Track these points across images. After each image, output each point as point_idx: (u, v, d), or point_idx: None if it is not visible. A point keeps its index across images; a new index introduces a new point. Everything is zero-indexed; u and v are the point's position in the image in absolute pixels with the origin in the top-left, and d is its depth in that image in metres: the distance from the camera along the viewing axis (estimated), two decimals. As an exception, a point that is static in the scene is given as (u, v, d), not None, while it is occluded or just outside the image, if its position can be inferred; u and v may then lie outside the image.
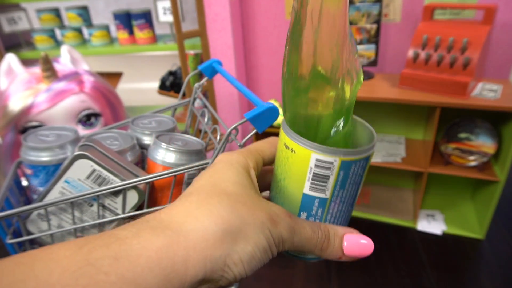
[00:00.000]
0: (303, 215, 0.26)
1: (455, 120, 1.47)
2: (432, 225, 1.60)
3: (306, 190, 0.25)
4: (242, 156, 0.26)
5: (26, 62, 0.85)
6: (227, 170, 0.24)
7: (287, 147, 0.24)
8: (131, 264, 0.18)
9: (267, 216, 0.22)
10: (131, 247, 0.18)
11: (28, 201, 0.59)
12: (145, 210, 0.48)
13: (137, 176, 0.47)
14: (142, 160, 0.57)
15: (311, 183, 0.24)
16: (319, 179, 0.24)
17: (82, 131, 0.79)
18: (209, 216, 0.21)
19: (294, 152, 0.24)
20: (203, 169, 0.45)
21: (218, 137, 0.51)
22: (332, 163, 0.23)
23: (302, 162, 0.24)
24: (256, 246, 0.21)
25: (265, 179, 0.29)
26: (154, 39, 1.75)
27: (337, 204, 0.25)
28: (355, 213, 1.71)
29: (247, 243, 0.21)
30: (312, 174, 0.24)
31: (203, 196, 0.22)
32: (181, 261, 0.19)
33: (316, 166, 0.23)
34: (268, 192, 0.30)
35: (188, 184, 0.48)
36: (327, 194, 0.25)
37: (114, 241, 0.18)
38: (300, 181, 0.25)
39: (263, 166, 0.28)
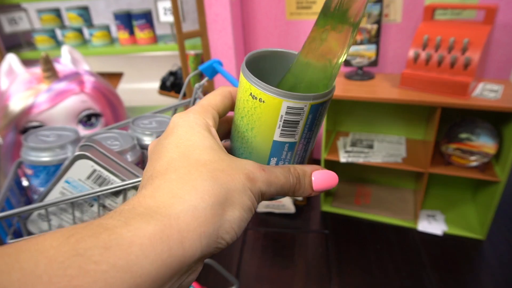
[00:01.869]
0: (273, 160, 0.26)
1: (455, 121, 1.47)
2: (432, 225, 1.60)
3: (276, 137, 0.25)
4: (199, 116, 0.25)
5: (27, 63, 0.85)
6: (191, 136, 0.24)
7: (254, 97, 0.24)
8: (123, 253, 0.17)
9: (245, 176, 0.23)
10: (121, 236, 0.18)
11: (29, 201, 0.59)
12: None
13: (137, 176, 0.47)
14: (143, 161, 0.57)
15: (282, 130, 0.24)
16: (290, 125, 0.24)
17: (83, 131, 0.79)
18: (194, 194, 0.20)
19: (263, 101, 0.24)
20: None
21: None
22: (302, 108, 0.23)
23: (272, 111, 0.24)
24: (242, 209, 0.22)
25: (220, 130, 0.29)
26: (155, 39, 1.75)
27: (303, 145, 0.26)
28: (356, 214, 1.71)
29: (235, 209, 0.22)
30: (282, 121, 0.24)
31: (182, 172, 0.22)
32: (177, 244, 0.19)
33: (287, 113, 0.24)
34: (227, 141, 0.30)
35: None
36: (296, 138, 0.25)
37: (103, 231, 0.18)
38: (270, 129, 0.25)
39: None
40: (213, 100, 0.27)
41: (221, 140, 0.29)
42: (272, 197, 0.26)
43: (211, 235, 0.20)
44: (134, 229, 0.18)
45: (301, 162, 0.28)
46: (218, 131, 0.28)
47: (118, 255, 0.17)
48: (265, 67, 0.28)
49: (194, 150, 0.23)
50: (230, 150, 0.29)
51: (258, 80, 0.24)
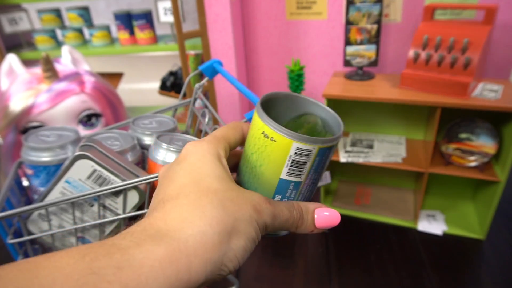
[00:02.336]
0: (278, 197, 0.27)
1: (455, 121, 1.47)
2: (432, 225, 1.60)
3: (283, 175, 0.26)
4: (212, 146, 0.26)
5: (27, 63, 0.86)
6: (203, 164, 0.24)
7: (266, 136, 0.25)
8: (134, 274, 0.18)
9: (252, 208, 0.23)
10: (133, 257, 0.19)
11: (29, 201, 0.59)
12: (145, 211, 0.48)
13: (137, 176, 0.47)
14: (143, 160, 0.57)
15: (289, 169, 0.26)
16: (297, 165, 0.25)
17: (83, 131, 0.79)
18: (203, 220, 0.21)
19: (274, 141, 0.25)
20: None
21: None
22: (311, 150, 0.25)
23: (282, 150, 0.25)
24: (247, 239, 0.22)
25: (228, 163, 0.30)
26: (155, 39, 1.75)
27: (308, 185, 0.27)
28: (356, 214, 1.71)
29: (240, 238, 0.22)
30: (291, 161, 0.25)
31: (192, 198, 0.22)
32: (184, 269, 0.19)
33: (295, 154, 0.25)
34: (233, 174, 0.31)
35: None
36: (302, 178, 0.26)
37: (116, 251, 0.19)
38: (278, 167, 0.26)
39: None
40: (226, 132, 0.28)
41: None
42: (274, 232, 0.27)
43: (215, 262, 0.21)
44: (146, 250, 0.19)
45: (304, 201, 0.29)
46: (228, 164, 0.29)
47: (129, 275, 0.18)
48: (279, 108, 0.30)
49: (205, 177, 0.24)
50: (237, 183, 0.30)
51: (272, 121, 0.25)
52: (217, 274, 0.21)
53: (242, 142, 0.29)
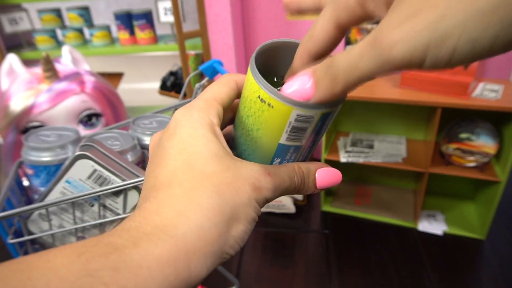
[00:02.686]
0: (277, 160, 0.26)
1: (456, 121, 1.47)
2: (433, 225, 1.60)
3: (283, 140, 0.24)
4: (203, 114, 0.23)
5: (28, 63, 0.86)
6: (194, 140, 0.22)
7: (262, 101, 0.23)
8: (131, 275, 0.17)
9: (251, 187, 0.22)
10: (130, 257, 0.18)
11: (29, 201, 0.59)
12: (142, 207, 0.48)
13: (138, 176, 0.47)
14: (143, 160, 0.57)
15: (289, 134, 0.24)
16: (297, 131, 0.24)
17: (83, 131, 0.79)
18: (200, 212, 0.20)
19: (272, 107, 0.23)
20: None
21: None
22: (312, 116, 0.23)
23: (281, 117, 0.23)
24: (247, 221, 0.22)
25: (223, 119, 0.27)
26: (155, 39, 1.75)
27: (309, 146, 0.26)
28: (356, 214, 1.71)
29: (239, 223, 0.21)
30: (290, 127, 0.23)
31: (186, 187, 0.21)
32: (183, 266, 0.19)
33: (296, 120, 0.23)
34: (229, 127, 0.29)
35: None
36: (302, 142, 0.25)
37: (112, 252, 0.18)
38: (276, 133, 0.24)
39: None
40: (218, 92, 0.25)
41: (224, 127, 0.28)
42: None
43: (216, 253, 0.20)
44: (142, 250, 0.18)
45: (304, 160, 0.28)
46: (221, 122, 0.26)
47: (127, 277, 0.17)
48: (276, 60, 0.27)
49: (198, 158, 0.22)
50: (233, 140, 0.28)
51: (268, 84, 0.22)
52: (218, 263, 0.21)
53: (237, 97, 0.26)
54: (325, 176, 0.26)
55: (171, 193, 0.21)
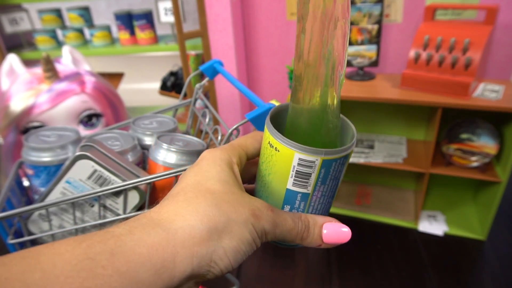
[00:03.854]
0: (287, 208, 0.27)
1: (456, 121, 1.47)
2: (433, 226, 1.60)
3: (290, 186, 0.26)
4: (225, 153, 0.27)
5: (28, 63, 0.85)
6: (211, 168, 0.25)
7: (271, 146, 0.25)
8: (125, 259, 0.19)
9: (250, 212, 0.23)
10: (125, 243, 0.20)
11: (30, 202, 0.59)
12: (146, 211, 0.48)
13: (138, 177, 0.47)
14: (143, 161, 0.57)
15: (294, 179, 0.25)
16: (302, 176, 0.25)
17: (83, 131, 0.79)
18: (195, 215, 0.22)
19: (278, 151, 0.25)
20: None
21: (219, 138, 0.51)
22: (314, 162, 0.24)
23: (286, 161, 0.25)
24: (240, 240, 0.23)
25: (250, 171, 0.31)
26: (156, 39, 1.75)
27: (318, 198, 0.27)
28: (356, 214, 1.71)
29: (232, 239, 0.22)
30: (295, 171, 0.25)
31: (189, 196, 0.23)
32: (170, 258, 0.20)
33: (299, 164, 0.25)
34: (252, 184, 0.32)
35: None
36: (309, 190, 0.26)
37: (110, 238, 0.20)
38: (283, 177, 0.26)
39: (247, 160, 0.29)
40: (244, 141, 0.29)
41: (248, 182, 0.32)
42: (279, 242, 0.27)
43: (203, 257, 0.21)
44: (136, 238, 0.20)
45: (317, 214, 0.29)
46: (246, 172, 0.30)
47: (121, 261, 0.19)
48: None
49: (208, 179, 0.24)
50: (254, 192, 0.30)
51: (275, 131, 0.25)
52: (206, 270, 0.22)
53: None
54: (333, 231, 0.27)
55: (175, 200, 0.24)
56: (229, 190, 0.24)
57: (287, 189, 0.26)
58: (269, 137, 0.26)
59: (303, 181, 0.25)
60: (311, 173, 0.25)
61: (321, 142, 0.26)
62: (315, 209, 0.27)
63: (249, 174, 0.31)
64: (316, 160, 0.24)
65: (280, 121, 0.28)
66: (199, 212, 0.22)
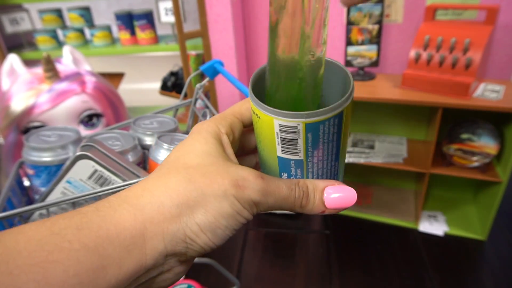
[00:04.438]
0: (284, 175, 0.25)
1: (457, 121, 1.47)
2: (434, 226, 1.60)
3: (279, 153, 0.24)
4: (212, 123, 0.25)
5: (28, 63, 0.86)
6: (194, 142, 0.24)
7: (253, 113, 0.24)
8: (92, 235, 0.19)
9: (232, 183, 0.22)
10: (91, 220, 0.19)
11: (30, 201, 0.59)
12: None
13: (138, 177, 0.47)
14: (144, 161, 0.57)
15: (282, 146, 0.23)
16: (288, 142, 0.23)
17: (84, 131, 0.79)
18: (164, 191, 0.21)
19: (259, 118, 0.23)
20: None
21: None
22: (296, 127, 0.22)
23: (268, 128, 0.23)
24: (218, 214, 0.21)
25: (252, 139, 0.29)
26: (156, 39, 1.75)
27: (315, 163, 0.24)
28: (356, 214, 1.71)
29: (207, 213, 0.21)
30: (279, 138, 0.23)
31: (162, 172, 0.23)
32: (138, 234, 0.20)
33: (281, 131, 0.22)
34: None
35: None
36: (301, 156, 0.24)
37: (76, 215, 0.20)
38: (271, 145, 0.24)
39: (245, 127, 0.27)
40: (238, 108, 0.27)
41: (252, 150, 0.29)
42: (275, 210, 0.25)
43: (175, 233, 0.21)
44: (103, 214, 0.20)
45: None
46: (247, 140, 0.28)
47: (88, 236, 0.19)
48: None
49: (188, 154, 0.23)
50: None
51: (254, 96, 0.23)
52: (183, 247, 0.21)
53: None
54: (336, 194, 0.24)
55: (147, 178, 0.23)
56: (210, 162, 0.23)
57: (278, 157, 0.24)
58: (251, 103, 0.24)
59: (291, 148, 0.23)
60: (297, 139, 0.22)
61: (304, 104, 0.24)
62: (316, 174, 0.25)
63: (251, 142, 0.29)
64: (298, 124, 0.22)
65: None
66: (168, 188, 0.21)
